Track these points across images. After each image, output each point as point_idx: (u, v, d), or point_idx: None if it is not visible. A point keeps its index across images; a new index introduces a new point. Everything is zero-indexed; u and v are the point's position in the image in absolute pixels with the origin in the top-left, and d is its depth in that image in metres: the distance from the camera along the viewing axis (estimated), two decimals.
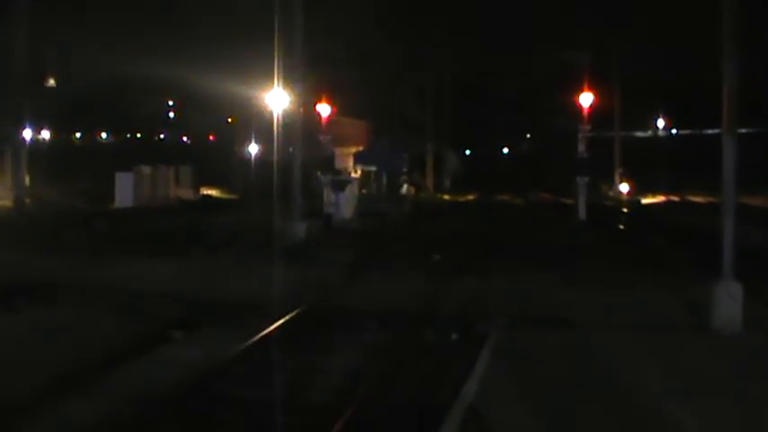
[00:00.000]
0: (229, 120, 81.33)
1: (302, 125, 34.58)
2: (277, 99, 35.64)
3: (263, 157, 58.16)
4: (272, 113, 35.50)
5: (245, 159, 66.09)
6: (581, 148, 44.04)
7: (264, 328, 16.13)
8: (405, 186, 49.81)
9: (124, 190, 48.17)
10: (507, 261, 26.61)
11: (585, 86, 45.37)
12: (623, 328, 17.01)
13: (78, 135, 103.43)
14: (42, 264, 23.62)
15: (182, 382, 12.66)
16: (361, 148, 54.45)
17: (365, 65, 65.55)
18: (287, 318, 17.35)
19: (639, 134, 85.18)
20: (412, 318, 17.81)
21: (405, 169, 51.77)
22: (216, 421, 11.55)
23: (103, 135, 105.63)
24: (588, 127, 44.86)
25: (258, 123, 56.39)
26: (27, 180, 44.81)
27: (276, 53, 32.92)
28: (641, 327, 17.15)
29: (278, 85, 34.72)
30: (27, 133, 50.53)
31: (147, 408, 11.62)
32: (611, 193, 66.72)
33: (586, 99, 45.05)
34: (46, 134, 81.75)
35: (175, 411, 11.66)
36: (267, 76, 35.53)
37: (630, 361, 14.35)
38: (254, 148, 64.74)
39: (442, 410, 11.16)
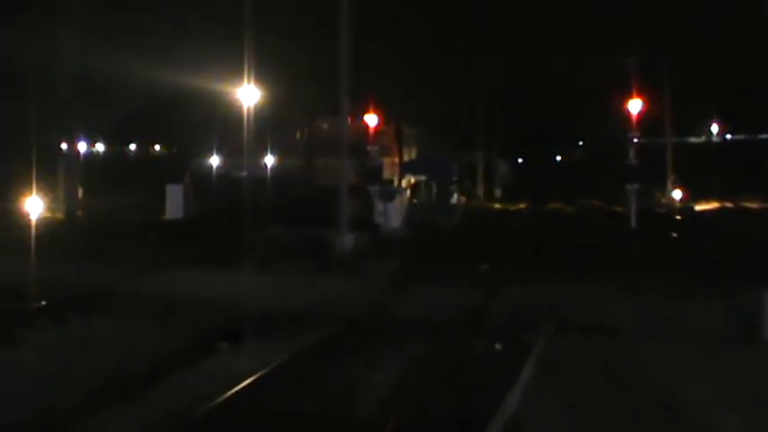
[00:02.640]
0: None
1: (349, 135, 34.51)
2: (248, 95, 36.31)
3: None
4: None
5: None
6: (631, 155, 43.69)
7: (311, 340, 16.19)
8: (455, 195, 49.64)
9: (174, 202, 48.38)
10: (556, 270, 26.40)
11: (634, 93, 45.01)
12: (673, 338, 16.82)
13: (133, 147, 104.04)
14: (91, 275, 23.76)
15: (225, 393, 12.66)
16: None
17: (413, 74, 65.49)
18: (334, 329, 17.40)
19: (693, 140, 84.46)
20: (458, 327, 17.74)
21: (455, 178, 51.58)
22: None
23: (156, 147, 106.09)
24: (638, 133, 44.50)
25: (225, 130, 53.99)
26: (80, 193, 45.19)
27: (246, 46, 34.45)
28: (692, 337, 16.96)
29: (248, 80, 35.74)
30: (81, 146, 51.04)
31: (189, 419, 11.65)
32: (663, 200, 66.18)
33: (635, 105, 44.69)
34: (100, 147, 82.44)
35: (218, 423, 11.68)
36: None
37: (680, 372, 14.17)
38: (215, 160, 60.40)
39: (483, 422, 11.08)
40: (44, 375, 13.74)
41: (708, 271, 26.15)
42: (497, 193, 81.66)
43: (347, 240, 29.90)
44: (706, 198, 65.16)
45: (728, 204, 63.12)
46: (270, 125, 48.70)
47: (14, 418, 11.52)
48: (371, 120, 46.69)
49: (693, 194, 65.40)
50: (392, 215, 38.56)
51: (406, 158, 62.80)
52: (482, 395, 12.63)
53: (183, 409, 11.93)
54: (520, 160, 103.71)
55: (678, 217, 53.78)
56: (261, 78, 38.41)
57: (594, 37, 69.60)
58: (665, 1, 62.62)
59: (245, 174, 42.33)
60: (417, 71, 66.38)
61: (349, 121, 34.05)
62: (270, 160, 54.92)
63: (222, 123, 50.30)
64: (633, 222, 42.37)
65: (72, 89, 43.48)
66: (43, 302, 19.34)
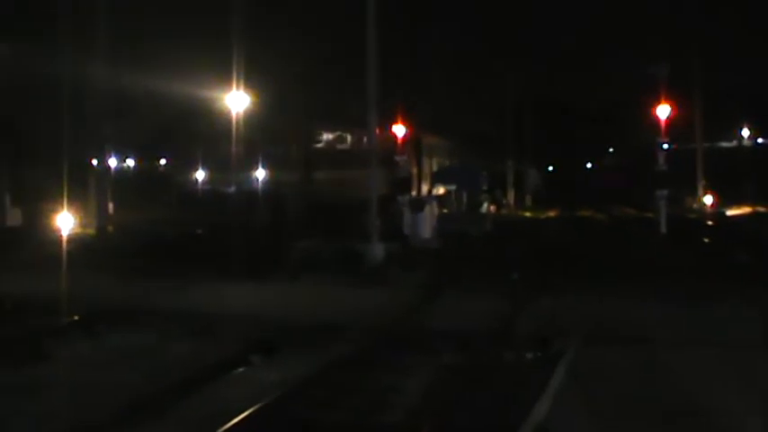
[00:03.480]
0: None
1: (378, 146, 34.51)
2: (237, 102, 35.28)
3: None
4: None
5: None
6: (660, 160, 43.55)
7: (343, 350, 16.30)
8: (485, 204, 49.57)
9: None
10: (586, 277, 26.40)
11: (663, 98, 44.88)
12: (705, 345, 16.74)
13: (163, 162, 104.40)
14: (122, 289, 23.92)
15: (259, 403, 12.77)
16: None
17: (442, 84, 65.58)
18: (366, 339, 17.49)
19: (724, 144, 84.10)
20: (488, 337, 17.73)
21: (485, 187, 51.55)
22: None
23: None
24: (667, 139, 44.37)
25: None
26: (111, 207, 45.41)
27: (235, 53, 34.31)
28: (724, 343, 16.86)
29: (237, 86, 34.97)
30: (112, 161, 51.23)
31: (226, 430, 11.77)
32: (694, 206, 65.95)
33: (664, 111, 44.58)
34: (131, 162, 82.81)
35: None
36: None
37: (712, 379, 14.10)
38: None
39: (511, 429, 11.12)
40: (74, 389, 13.85)
41: (739, 275, 26.05)
42: (527, 201, 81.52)
43: (378, 251, 29.91)
44: (737, 203, 64.85)
45: (760, 209, 62.76)
46: (262, 135, 44.94)
47: None
48: (399, 130, 46.81)
49: (724, 199, 65.10)
50: (422, 225, 38.52)
51: (435, 168, 62.76)
52: (511, 403, 12.66)
53: (212, 422, 11.99)
54: (550, 168, 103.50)
55: (709, 222, 53.54)
56: (253, 85, 37.39)
57: (624, 43, 69.61)
58: (693, 5, 62.53)
59: (232, 188, 39.41)
60: (447, 81, 66.53)
61: (378, 131, 33.95)
62: (261, 173, 50.87)
63: (211, 133, 46.50)
64: (663, 228, 42.20)
65: (102, 104, 43.59)
66: (75, 317, 19.50)
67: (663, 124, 44.36)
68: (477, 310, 21.04)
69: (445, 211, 45.18)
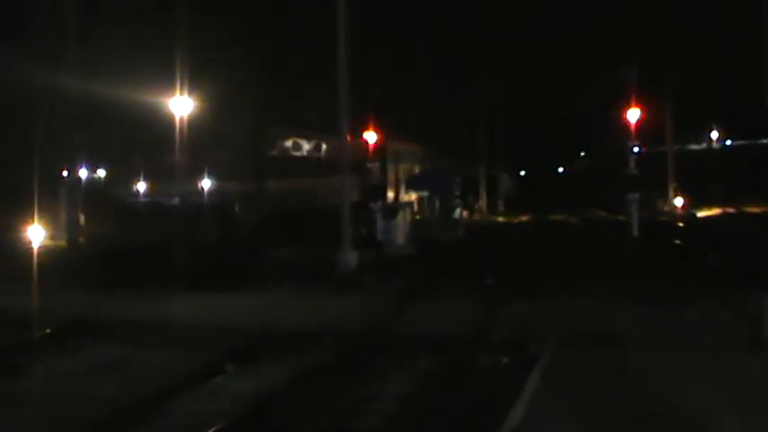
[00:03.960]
0: None
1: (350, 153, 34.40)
2: (181, 107, 33.03)
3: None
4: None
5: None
6: (631, 164, 43.79)
7: (318, 358, 16.28)
8: (457, 210, 49.64)
9: None
10: (559, 281, 26.49)
11: (633, 102, 45.15)
12: (679, 346, 16.82)
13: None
14: (94, 302, 23.79)
15: (234, 413, 12.83)
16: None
17: (413, 89, 65.52)
18: (340, 346, 17.48)
19: (693, 147, 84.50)
20: (463, 342, 17.76)
21: (457, 192, 51.59)
22: None
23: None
24: (637, 142, 44.63)
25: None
26: (82, 219, 44.94)
27: (177, 56, 33.09)
28: (697, 344, 16.96)
29: (181, 91, 32.84)
30: (82, 172, 50.57)
31: None
32: (665, 208, 66.28)
33: (634, 115, 44.88)
34: (102, 172, 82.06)
35: None
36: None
37: (687, 379, 14.16)
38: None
39: None
40: (49, 403, 13.77)
41: (711, 277, 26.19)
42: (500, 206, 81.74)
43: (351, 258, 29.82)
44: (708, 204, 65.23)
45: (730, 210, 63.14)
46: (208, 142, 39.62)
47: None
48: (371, 137, 46.88)
49: (695, 201, 65.48)
50: (395, 232, 38.52)
51: (406, 175, 62.73)
52: (487, 408, 12.67)
53: (190, 430, 11.98)
54: (522, 173, 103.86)
55: (680, 224, 53.82)
56: (200, 89, 34.83)
57: (594, 48, 69.78)
58: (662, 9, 62.80)
59: (176, 200, 34.65)
60: (417, 86, 66.47)
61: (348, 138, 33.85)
62: (208, 183, 44.68)
63: (153, 140, 41.08)
64: (635, 231, 42.41)
65: (71, 114, 42.70)
66: (47, 330, 19.38)
67: (633, 128, 44.66)
68: (452, 316, 21.06)
69: (418, 217, 45.22)
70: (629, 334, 18.15)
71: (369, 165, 46.42)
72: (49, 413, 13.23)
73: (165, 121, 33.97)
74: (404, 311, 22.36)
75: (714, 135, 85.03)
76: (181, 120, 32.97)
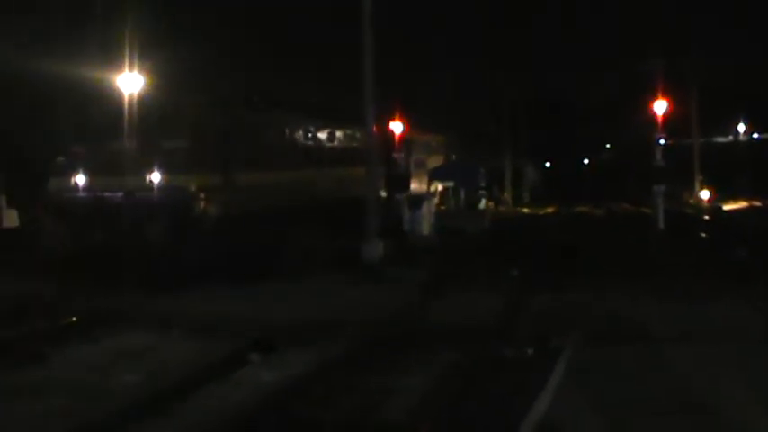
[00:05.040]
0: None
1: (377, 143, 34.37)
2: (129, 85, 29.47)
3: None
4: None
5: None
6: (657, 156, 43.61)
7: (341, 348, 16.34)
8: (483, 201, 49.58)
9: None
10: (585, 274, 26.43)
11: (660, 94, 44.97)
12: (704, 341, 16.70)
13: None
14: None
15: (257, 402, 12.93)
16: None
17: (440, 82, 65.54)
18: (363, 337, 17.53)
19: (720, 140, 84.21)
20: (487, 334, 17.77)
21: (483, 184, 51.53)
22: None
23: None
24: (664, 135, 44.44)
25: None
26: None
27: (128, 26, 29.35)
28: (723, 339, 16.82)
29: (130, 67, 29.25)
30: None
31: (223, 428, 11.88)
32: (691, 201, 66.05)
33: (660, 107, 44.69)
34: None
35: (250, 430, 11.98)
36: None
37: (711, 374, 14.08)
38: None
39: (511, 427, 11.17)
40: (75, 391, 13.85)
41: (736, 271, 26.08)
42: (525, 197, 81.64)
43: (376, 249, 29.83)
44: (734, 198, 64.93)
45: (757, 203, 62.84)
46: (161, 127, 31.76)
47: None
48: (397, 127, 46.89)
49: (721, 194, 65.20)
50: (420, 223, 38.54)
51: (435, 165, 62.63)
52: (511, 400, 12.69)
53: (214, 419, 12.04)
54: (547, 164, 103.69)
55: (706, 217, 53.62)
56: (153, 65, 30.48)
57: (621, 40, 69.64)
58: (690, 2, 62.60)
59: (120, 195, 29.80)
60: (444, 78, 66.51)
61: (375, 129, 33.72)
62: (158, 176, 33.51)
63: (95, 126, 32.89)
64: (661, 224, 42.27)
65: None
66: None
67: (660, 120, 44.44)
68: (476, 307, 21.05)
69: (443, 208, 45.19)
70: (654, 328, 18.13)
71: (395, 155, 46.39)
72: (73, 400, 13.29)
73: (111, 102, 29.79)
74: (428, 302, 22.39)
75: (741, 128, 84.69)
76: (130, 99, 29.33)
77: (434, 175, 51.55)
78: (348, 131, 45.93)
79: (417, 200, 39.98)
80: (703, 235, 41.11)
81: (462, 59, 67.69)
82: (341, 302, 22.22)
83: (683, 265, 28.37)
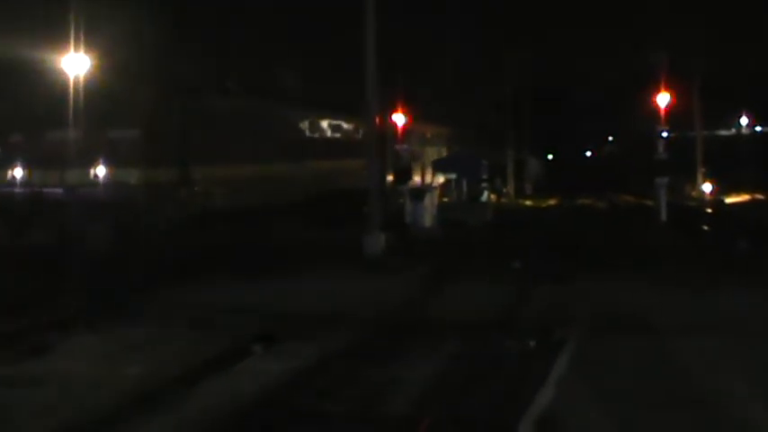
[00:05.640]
0: None
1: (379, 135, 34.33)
2: (74, 66, 26.45)
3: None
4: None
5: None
6: (660, 148, 43.61)
7: (344, 340, 16.35)
8: (485, 193, 49.55)
9: None
10: (588, 266, 26.45)
11: (663, 86, 44.96)
12: (706, 332, 16.72)
13: None
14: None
15: (260, 393, 12.93)
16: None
17: (442, 73, 65.45)
18: (366, 329, 17.54)
19: (723, 133, 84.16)
20: (490, 326, 17.77)
21: (485, 176, 51.51)
22: None
23: None
24: (666, 127, 44.44)
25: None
26: None
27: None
28: (726, 331, 16.84)
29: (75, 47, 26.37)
30: None
31: (226, 419, 11.87)
32: (693, 194, 66.01)
33: (663, 99, 44.69)
34: None
35: (252, 422, 11.93)
36: None
37: (714, 366, 14.09)
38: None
39: (514, 419, 11.18)
40: (80, 382, 13.84)
41: (739, 263, 26.11)
42: (528, 190, 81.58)
43: (378, 241, 29.85)
44: (736, 190, 64.87)
45: (759, 196, 62.78)
46: (110, 115, 27.65)
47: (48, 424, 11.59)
48: (399, 119, 46.89)
49: (724, 187, 65.14)
50: (422, 215, 38.53)
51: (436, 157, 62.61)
52: (514, 392, 12.69)
53: (217, 410, 12.05)
54: (550, 157, 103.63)
55: (708, 210, 53.59)
56: (101, 43, 27.34)
57: (623, 32, 69.54)
58: None
59: (60, 191, 26.89)
60: (446, 70, 66.42)
61: (378, 120, 33.67)
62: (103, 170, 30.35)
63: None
64: (663, 216, 42.29)
65: None
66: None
67: (662, 112, 44.45)
68: (479, 300, 21.07)
69: (445, 199, 45.19)
70: (657, 319, 18.14)
71: (398, 147, 46.44)
72: (76, 390, 13.29)
73: (54, 85, 26.78)
74: (430, 294, 22.40)
75: (744, 121, 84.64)
76: (75, 82, 26.22)
77: (437, 167, 51.52)
78: (335, 121, 43.47)
79: (420, 192, 39.94)
80: (705, 227, 41.08)
81: (462, 46, 67.49)
82: (343, 295, 22.18)
83: (685, 256, 28.42)
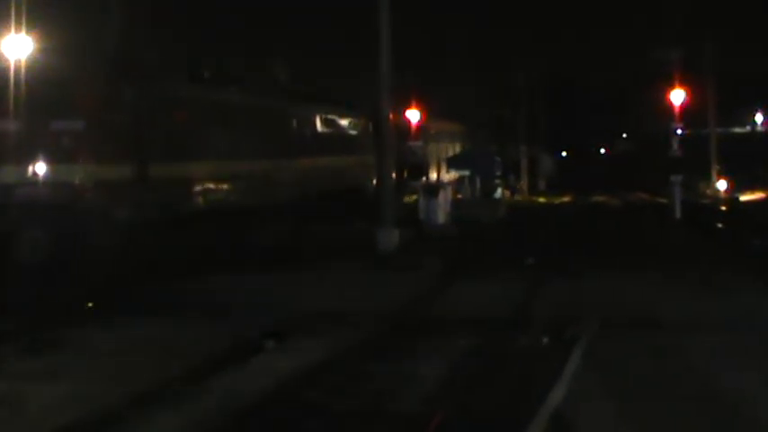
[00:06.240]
0: None
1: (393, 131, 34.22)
2: (16, 48, 23.34)
3: None
4: None
5: None
6: (674, 146, 43.53)
7: (357, 337, 16.37)
8: (499, 190, 49.56)
9: None
10: (601, 263, 26.42)
11: (677, 83, 44.86)
12: (720, 331, 16.60)
13: None
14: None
15: (270, 390, 12.89)
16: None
17: (456, 70, 65.43)
18: (379, 325, 17.53)
19: (738, 130, 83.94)
20: (503, 322, 17.76)
21: (498, 173, 51.52)
22: (303, 429, 11.60)
23: None
24: (681, 124, 44.33)
25: None
26: None
27: None
28: (740, 329, 16.68)
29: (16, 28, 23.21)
30: None
31: (238, 415, 11.85)
32: (708, 191, 65.84)
33: (677, 96, 44.58)
34: None
35: (264, 418, 11.91)
36: None
37: (729, 364, 14.01)
38: None
39: (526, 416, 11.16)
40: (91, 376, 13.86)
41: (753, 261, 26.02)
42: (541, 186, 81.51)
43: (392, 237, 29.82)
44: (751, 188, 64.68)
45: None
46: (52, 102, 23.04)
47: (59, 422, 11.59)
48: (413, 115, 46.86)
49: (738, 185, 64.96)
50: (436, 211, 38.48)
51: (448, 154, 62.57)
52: (527, 389, 12.66)
53: (228, 406, 12.05)
54: (563, 153, 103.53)
55: (723, 208, 53.44)
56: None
57: (637, 28, 69.41)
58: None
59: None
60: (460, 66, 66.39)
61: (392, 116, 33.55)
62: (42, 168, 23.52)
63: None
64: (678, 214, 42.20)
65: None
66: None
67: (677, 109, 44.34)
68: (492, 296, 21.04)
69: (459, 196, 45.15)
70: (670, 317, 18.04)
71: (410, 143, 46.41)
72: (90, 385, 13.30)
73: None
74: (444, 291, 22.38)
75: (759, 118, 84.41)
76: (17, 67, 22.98)
77: (451, 164, 51.52)
78: (331, 116, 40.21)
79: (433, 188, 39.91)
80: (720, 225, 40.95)
81: (474, 43, 67.48)
82: (356, 291, 22.16)
83: (699, 254, 28.31)
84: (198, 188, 27.00)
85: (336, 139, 39.10)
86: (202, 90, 29.08)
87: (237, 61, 38.58)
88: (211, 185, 27.71)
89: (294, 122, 35.02)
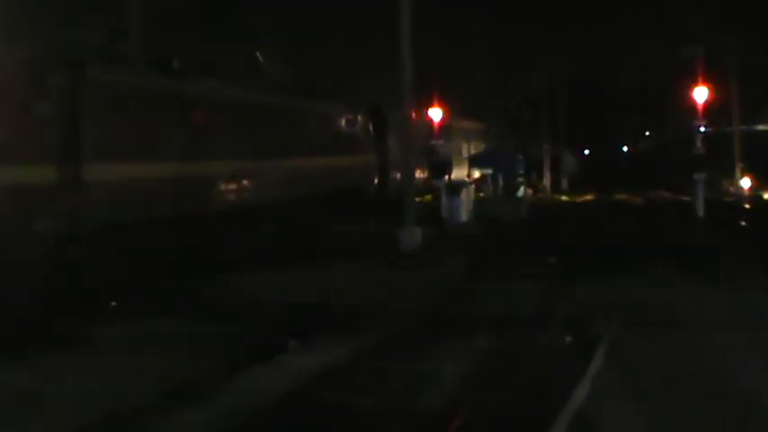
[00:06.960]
0: None
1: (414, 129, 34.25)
2: None
3: None
4: None
5: None
6: (697, 143, 43.37)
7: (379, 335, 16.39)
8: (521, 188, 49.45)
9: None
10: (623, 261, 26.33)
11: (700, 81, 44.67)
12: (745, 331, 16.53)
13: None
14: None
15: (293, 387, 12.95)
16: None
17: (478, 68, 65.42)
18: (401, 324, 17.56)
19: (761, 127, 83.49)
20: (525, 321, 17.76)
21: (521, 171, 51.41)
22: (326, 428, 11.64)
23: None
24: (704, 122, 44.16)
25: None
26: None
27: None
28: (766, 329, 16.71)
29: None
30: None
31: (260, 413, 11.90)
32: (731, 189, 65.53)
33: (701, 94, 44.39)
34: None
35: (286, 417, 11.94)
36: None
37: (753, 364, 14.00)
38: None
39: (549, 416, 11.17)
40: (113, 374, 13.92)
41: None
42: (564, 184, 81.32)
43: (414, 236, 29.84)
44: None
45: None
46: None
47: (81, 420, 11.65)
48: (436, 114, 46.85)
49: (762, 183, 64.65)
50: (458, 210, 38.46)
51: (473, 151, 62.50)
52: (550, 388, 12.66)
53: (252, 403, 12.10)
54: (586, 152, 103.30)
55: (746, 206, 53.18)
56: None
57: (660, 25, 69.22)
58: None
59: None
60: (482, 65, 66.37)
61: (414, 115, 33.57)
62: None
63: None
64: (700, 212, 42.04)
65: None
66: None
67: (700, 107, 44.16)
68: (514, 295, 21.04)
69: (481, 194, 45.11)
70: (693, 316, 18.04)
71: (433, 142, 46.39)
72: (111, 382, 13.35)
73: None
74: (467, 289, 22.41)
75: None
76: None
77: (473, 162, 51.46)
78: (324, 113, 37.41)
79: (456, 187, 39.88)
80: (743, 223, 40.78)
81: (496, 41, 67.46)
82: (380, 288, 22.19)
83: (723, 253, 28.18)
84: (153, 192, 22.86)
85: (333, 138, 37.42)
86: (161, 80, 25.06)
87: (226, 55, 36.92)
88: (169, 189, 23.61)
89: (284, 120, 32.08)
